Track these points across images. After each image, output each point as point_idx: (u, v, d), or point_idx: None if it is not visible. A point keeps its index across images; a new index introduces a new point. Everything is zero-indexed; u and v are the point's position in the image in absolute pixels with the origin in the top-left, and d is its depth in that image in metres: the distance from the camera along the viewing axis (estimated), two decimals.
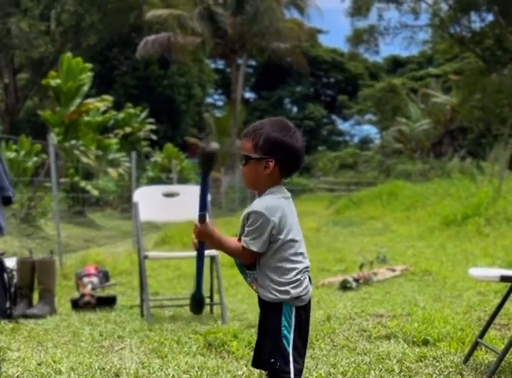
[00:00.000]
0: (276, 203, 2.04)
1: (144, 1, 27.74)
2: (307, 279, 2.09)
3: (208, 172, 2.05)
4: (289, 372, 2.03)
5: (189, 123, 33.59)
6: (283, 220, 2.03)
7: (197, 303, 2.25)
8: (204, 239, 2.09)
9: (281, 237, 2.02)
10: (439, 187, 13.79)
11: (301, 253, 2.08)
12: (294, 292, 2.04)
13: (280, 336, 2.06)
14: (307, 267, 2.10)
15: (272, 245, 2.03)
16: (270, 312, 2.08)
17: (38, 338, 3.62)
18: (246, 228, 2.05)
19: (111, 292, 5.18)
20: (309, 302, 2.12)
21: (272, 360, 2.06)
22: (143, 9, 27.25)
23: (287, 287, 2.03)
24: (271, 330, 2.08)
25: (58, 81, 12.15)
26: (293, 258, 2.05)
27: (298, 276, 2.05)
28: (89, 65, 12.76)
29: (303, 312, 2.10)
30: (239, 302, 4.77)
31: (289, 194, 2.12)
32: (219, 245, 2.10)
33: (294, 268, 2.05)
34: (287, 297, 2.04)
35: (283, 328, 2.06)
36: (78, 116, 12.53)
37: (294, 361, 2.06)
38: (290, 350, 2.06)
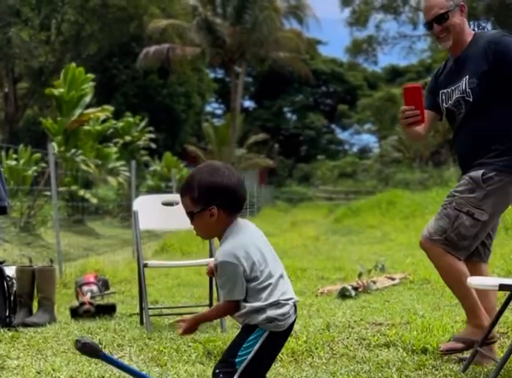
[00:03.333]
0: (237, 244, 2.05)
1: (144, 12, 27.86)
2: (289, 306, 2.07)
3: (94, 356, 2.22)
4: None
5: (188, 132, 33.67)
6: (249, 258, 2.03)
7: None
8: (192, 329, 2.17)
9: (255, 274, 2.03)
10: (437, 196, 13.81)
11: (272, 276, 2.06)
12: (271, 313, 2.02)
13: (236, 353, 2.05)
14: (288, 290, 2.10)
15: (249, 284, 2.04)
16: (243, 329, 2.09)
17: (38, 346, 3.62)
18: (219, 280, 2.08)
19: (110, 300, 5.17)
20: (286, 333, 2.09)
21: (217, 370, 2.07)
22: (143, 20, 27.37)
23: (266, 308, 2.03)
24: (234, 342, 2.10)
25: (61, 90, 12.21)
26: (265, 284, 2.05)
27: (277, 299, 2.04)
28: (91, 76, 12.82)
29: (276, 340, 2.07)
30: None
31: (245, 221, 2.16)
32: (205, 320, 2.25)
33: (277, 291, 2.06)
34: (267, 315, 2.03)
35: (243, 348, 2.05)
36: (79, 126, 12.57)
37: None
38: (238, 371, 2.03)
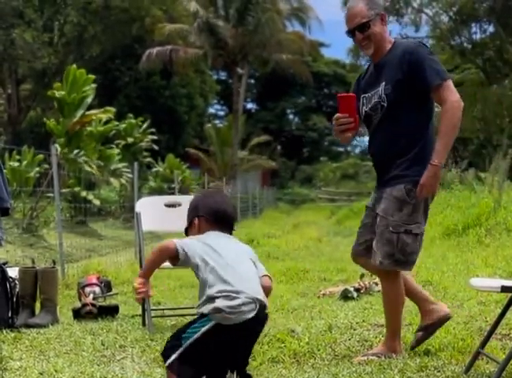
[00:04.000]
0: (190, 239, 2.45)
1: (146, 14, 27.89)
2: (241, 301, 2.19)
3: None
4: (167, 358, 2.26)
5: (191, 133, 33.67)
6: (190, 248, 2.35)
7: None
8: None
9: (195, 262, 2.35)
10: (439, 198, 13.79)
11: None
12: (219, 303, 2.19)
13: (185, 330, 2.26)
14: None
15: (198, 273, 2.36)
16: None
17: (40, 347, 3.62)
18: None
19: (113, 302, 5.18)
20: (241, 330, 2.18)
21: (167, 342, 2.34)
22: (146, 21, 27.41)
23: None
24: (187, 323, 2.34)
25: (63, 92, 12.22)
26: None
27: (223, 290, 2.23)
28: (92, 77, 12.83)
29: (223, 333, 2.18)
30: None
31: (221, 234, 2.45)
32: (149, 267, 2.45)
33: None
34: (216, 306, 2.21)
35: (191, 328, 2.24)
36: (81, 127, 12.59)
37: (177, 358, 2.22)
38: (183, 346, 2.21)
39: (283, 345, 3.46)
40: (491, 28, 27.63)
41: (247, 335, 2.24)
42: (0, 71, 27.93)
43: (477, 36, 28.03)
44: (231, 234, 2.49)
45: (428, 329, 3.38)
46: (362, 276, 5.68)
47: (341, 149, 50.58)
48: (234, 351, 2.24)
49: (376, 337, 3.66)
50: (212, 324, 2.17)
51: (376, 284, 5.58)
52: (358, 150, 51.97)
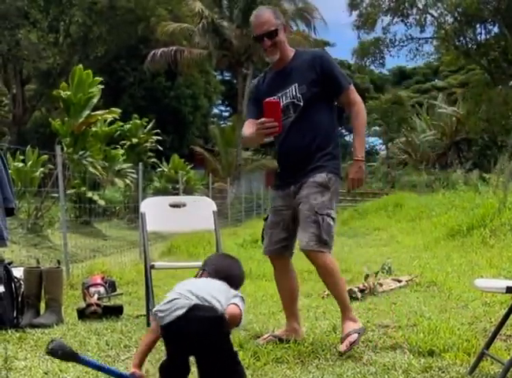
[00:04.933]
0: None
1: (152, 14, 27.92)
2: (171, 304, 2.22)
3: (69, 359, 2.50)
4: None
5: (195, 134, 33.67)
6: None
7: None
8: None
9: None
10: (444, 198, 13.78)
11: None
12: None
13: None
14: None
15: None
16: None
17: (45, 347, 3.63)
18: None
19: (117, 302, 5.19)
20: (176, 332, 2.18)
21: None
22: (151, 21, 27.43)
23: None
24: None
25: (68, 93, 12.23)
26: None
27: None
28: (98, 79, 12.85)
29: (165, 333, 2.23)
30: (245, 311, 4.76)
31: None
32: (139, 354, 2.52)
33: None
34: None
35: None
36: (86, 128, 12.59)
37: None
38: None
39: (287, 345, 3.47)
40: (495, 29, 27.62)
41: (179, 336, 2.18)
42: (5, 71, 28.03)
43: (482, 37, 28.01)
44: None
45: (276, 337, 3.58)
46: (367, 276, 5.67)
47: (346, 150, 50.52)
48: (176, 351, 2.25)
49: (380, 338, 3.66)
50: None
51: (381, 285, 5.58)
52: None
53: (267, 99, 3.40)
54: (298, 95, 3.47)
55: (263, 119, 3.30)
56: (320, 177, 3.44)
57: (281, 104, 3.46)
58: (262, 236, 3.81)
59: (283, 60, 3.57)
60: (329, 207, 3.43)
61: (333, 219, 3.45)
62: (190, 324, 2.14)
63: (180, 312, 2.15)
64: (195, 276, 2.61)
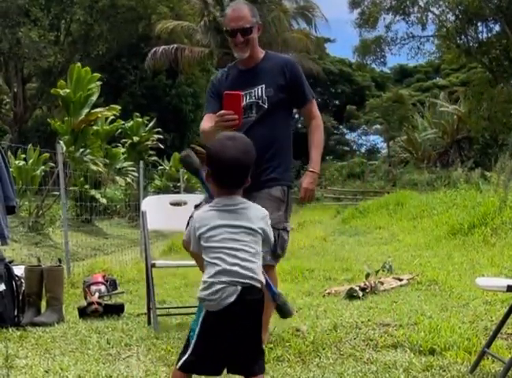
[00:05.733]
0: (202, 215, 2.25)
1: (153, 12, 27.89)
2: (222, 286, 2.13)
3: (191, 171, 2.54)
4: (178, 361, 2.21)
5: (196, 132, 33.62)
6: (203, 229, 2.21)
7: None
8: None
9: (202, 242, 2.21)
10: (445, 197, 13.76)
11: (219, 258, 2.16)
12: (200, 293, 2.17)
13: (193, 327, 2.22)
14: (224, 271, 2.15)
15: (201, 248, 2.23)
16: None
17: (46, 345, 3.64)
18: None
19: (118, 300, 5.20)
20: (228, 315, 2.13)
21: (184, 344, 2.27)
22: (152, 20, 27.40)
23: (200, 287, 2.18)
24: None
25: (67, 91, 12.22)
26: (210, 261, 2.18)
27: (209, 279, 2.15)
28: (97, 75, 12.83)
29: (214, 320, 2.15)
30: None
31: (233, 206, 2.24)
32: None
33: (208, 272, 2.17)
34: (198, 295, 2.19)
35: (194, 322, 2.23)
36: (86, 125, 12.59)
37: (191, 355, 2.17)
38: (191, 344, 2.18)
39: (288, 344, 3.47)
40: (497, 27, 27.54)
41: (233, 322, 2.15)
42: (6, 69, 28.00)
43: (483, 35, 27.93)
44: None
45: None
46: (368, 275, 5.68)
47: (347, 148, 50.55)
48: (229, 340, 2.18)
49: (381, 336, 3.66)
50: (204, 312, 2.17)
51: (382, 284, 5.58)
52: (363, 149, 52.00)
53: (228, 91, 3.24)
54: (264, 97, 3.44)
55: (222, 111, 3.17)
56: (277, 191, 3.42)
57: (243, 101, 3.32)
58: None
59: (253, 59, 3.52)
60: (285, 220, 3.45)
61: (287, 232, 3.47)
62: (243, 308, 2.17)
63: (231, 299, 2.14)
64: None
